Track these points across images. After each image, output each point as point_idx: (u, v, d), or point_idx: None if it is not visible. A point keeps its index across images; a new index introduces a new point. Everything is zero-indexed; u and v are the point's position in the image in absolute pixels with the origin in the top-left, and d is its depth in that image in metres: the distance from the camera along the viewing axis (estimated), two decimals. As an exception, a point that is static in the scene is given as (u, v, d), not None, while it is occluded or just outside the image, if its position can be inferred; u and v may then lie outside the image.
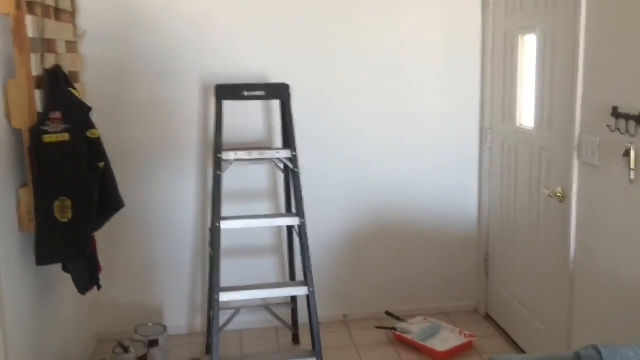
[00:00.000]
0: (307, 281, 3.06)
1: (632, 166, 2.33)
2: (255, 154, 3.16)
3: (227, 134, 3.52)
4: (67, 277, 2.90)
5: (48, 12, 2.76)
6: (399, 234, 3.85)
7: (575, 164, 2.76)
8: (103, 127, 3.37)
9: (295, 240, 3.50)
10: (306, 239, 3.12)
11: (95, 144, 2.75)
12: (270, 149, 3.40)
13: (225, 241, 3.19)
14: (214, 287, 3.02)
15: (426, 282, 3.93)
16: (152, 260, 3.66)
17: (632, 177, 2.34)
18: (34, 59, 2.52)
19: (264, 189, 3.70)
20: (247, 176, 3.65)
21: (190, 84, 3.52)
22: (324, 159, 3.70)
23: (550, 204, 3.01)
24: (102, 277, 3.01)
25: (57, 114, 2.55)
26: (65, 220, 2.51)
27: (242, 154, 3.15)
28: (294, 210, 3.29)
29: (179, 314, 3.74)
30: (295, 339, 3.62)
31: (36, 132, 2.50)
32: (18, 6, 2.42)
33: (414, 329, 3.58)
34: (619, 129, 2.41)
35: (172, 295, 3.71)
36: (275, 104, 3.58)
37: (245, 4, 3.49)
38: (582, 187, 2.74)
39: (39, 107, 2.57)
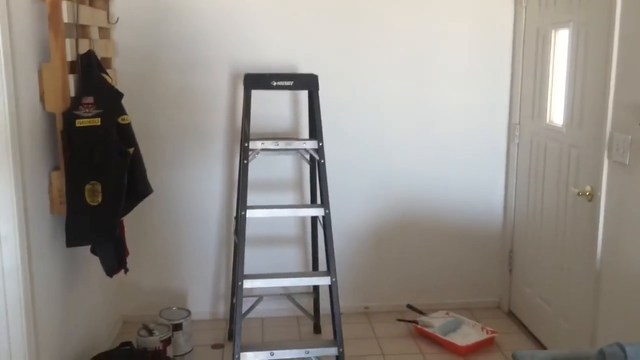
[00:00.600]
0: (330, 271, 3.08)
1: (664, 165, 2.30)
2: (282, 144, 3.18)
3: (254, 123, 3.55)
4: (95, 260, 2.96)
5: (83, -2, 2.80)
6: (423, 227, 3.84)
7: (605, 162, 2.72)
8: (133, 113, 3.43)
9: (319, 231, 3.51)
10: (330, 229, 3.13)
11: (125, 129, 2.79)
12: (297, 139, 3.41)
13: (250, 230, 3.23)
14: (238, 274, 3.05)
15: (449, 277, 3.92)
16: (178, 246, 3.72)
17: (663, 176, 2.31)
18: (69, 44, 2.56)
19: (290, 179, 3.72)
20: (273, 166, 3.67)
21: (219, 72, 3.55)
22: (349, 150, 3.70)
23: (578, 202, 2.97)
24: (129, 261, 3.06)
25: (89, 99, 2.60)
26: (95, 204, 2.56)
27: (269, 144, 3.17)
28: (318, 201, 3.30)
29: (203, 300, 3.79)
30: (317, 329, 3.64)
31: (69, 116, 2.55)
32: (54, -8, 2.46)
33: (435, 322, 3.58)
34: (651, 128, 2.37)
35: (196, 281, 3.77)
36: (303, 94, 3.59)
37: (276, -6, 3.50)
38: (611, 185, 2.71)
39: (72, 92, 2.62)
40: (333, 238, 3.14)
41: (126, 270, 3.01)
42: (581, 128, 2.96)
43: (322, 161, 3.16)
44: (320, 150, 3.16)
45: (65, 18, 2.52)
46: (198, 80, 3.55)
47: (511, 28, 3.64)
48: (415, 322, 3.62)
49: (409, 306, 3.82)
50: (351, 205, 3.76)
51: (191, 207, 3.68)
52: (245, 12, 3.50)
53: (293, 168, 3.71)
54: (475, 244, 3.89)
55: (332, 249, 3.10)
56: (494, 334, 3.48)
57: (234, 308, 3.29)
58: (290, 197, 3.74)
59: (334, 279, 3.07)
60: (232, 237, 3.68)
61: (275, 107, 3.62)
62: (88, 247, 2.89)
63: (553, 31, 3.23)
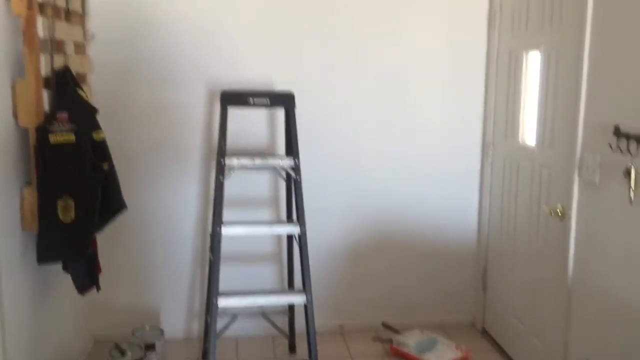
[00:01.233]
0: (305, 289, 3.07)
1: (632, 186, 2.35)
2: (258, 161, 3.18)
3: (231, 140, 3.54)
4: (66, 277, 2.91)
5: (59, 13, 2.79)
6: (398, 245, 3.86)
7: (576, 181, 2.77)
8: (108, 128, 3.40)
9: (295, 248, 3.51)
10: (306, 247, 3.13)
11: (100, 145, 2.77)
12: (273, 156, 3.42)
13: (225, 247, 3.20)
14: (212, 291, 3.03)
15: (424, 295, 3.94)
16: (151, 263, 3.67)
17: (632, 196, 2.36)
18: (43, 59, 2.55)
19: (265, 196, 3.72)
20: (249, 183, 3.67)
21: (195, 88, 3.55)
22: (325, 168, 3.72)
23: (549, 221, 3.02)
24: (101, 278, 3.02)
25: (63, 114, 2.57)
26: (68, 220, 2.53)
27: (245, 161, 3.17)
28: (294, 218, 3.31)
29: (177, 319, 3.74)
30: (292, 348, 3.62)
31: (42, 131, 2.52)
32: (30, 6, 2.45)
33: (410, 341, 3.58)
34: (620, 148, 2.42)
35: (170, 299, 3.72)
36: (280, 111, 3.61)
37: (252, 13, 3.52)
38: (581, 205, 2.76)
39: (46, 107, 2.60)
40: (309, 256, 3.14)
41: (98, 288, 2.97)
42: (552, 148, 3.01)
43: (299, 179, 3.17)
44: (296, 168, 3.17)
45: (41, 33, 2.50)
46: (174, 97, 3.55)
47: (484, 49, 3.71)
48: (391, 341, 3.62)
49: (384, 324, 3.82)
50: (327, 223, 3.76)
51: (166, 223, 3.65)
52: (221, 29, 3.52)
53: (269, 185, 3.71)
54: (450, 262, 3.92)
55: (308, 267, 3.10)
56: (468, 353, 3.50)
57: (208, 327, 3.26)
58: (266, 214, 3.73)
59: (309, 298, 3.07)
60: (207, 255, 3.65)
61: (251, 124, 3.63)
62: (59, 265, 2.84)
63: (524, 53, 3.31)
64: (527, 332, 3.30)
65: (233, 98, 3.20)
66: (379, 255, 3.85)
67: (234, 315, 3.50)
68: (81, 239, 2.61)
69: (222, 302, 3.02)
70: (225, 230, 3.08)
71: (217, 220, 3.08)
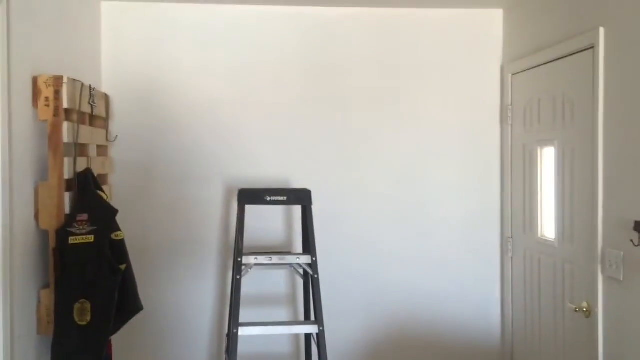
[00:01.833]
0: (325, 393, 2.96)
1: (659, 283, 2.29)
2: (275, 259, 3.16)
3: (247, 236, 3.56)
4: (80, 382, 2.84)
5: (84, 118, 2.89)
6: (419, 343, 3.74)
7: (600, 278, 2.71)
8: (127, 227, 3.44)
9: (313, 347, 3.42)
10: (325, 347, 3.05)
11: (118, 245, 2.78)
12: (290, 253, 3.40)
13: (242, 347, 3.13)
14: (228, 396, 2.93)
15: (448, 397, 3.77)
16: (166, 365, 3.59)
17: (659, 294, 2.29)
18: (67, 163, 2.61)
19: (282, 294, 3.67)
20: (266, 280, 3.63)
21: (213, 186, 3.60)
22: (342, 264, 3.69)
23: (576, 318, 2.93)
24: (115, 382, 2.95)
25: (84, 216, 2.61)
26: (84, 324, 2.50)
27: (262, 259, 3.16)
28: (312, 317, 3.24)
29: (190, 423, 3.61)
30: None
31: (62, 233, 2.54)
32: (56, 113, 2.54)
33: None
34: (643, 244, 2.38)
35: (184, 402, 3.60)
36: (296, 207, 3.63)
37: (268, 110, 3.62)
38: (607, 301, 2.68)
39: (67, 209, 2.64)
40: (327, 355, 3.05)
41: (112, 393, 2.89)
42: (573, 243, 2.97)
43: (316, 276, 3.13)
44: (313, 265, 3.14)
45: (65, 138, 2.58)
46: (192, 194, 3.59)
47: (498, 144, 3.76)
48: None
49: None
50: (345, 321, 3.68)
51: (182, 323, 3.59)
52: (239, 126, 3.61)
53: (286, 283, 3.67)
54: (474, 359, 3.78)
55: (326, 368, 3.00)
56: None
57: None
58: (283, 313, 3.66)
59: (328, 401, 2.95)
60: (223, 356, 3.56)
61: (268, 221, 3.64)
62: (73, 368, 2.78)
63: (539, 148, 3.33)
64: None
65: (250, 196, 3.23)
66: (400, 354, 3.73)
67: (250, 420, 3.36)
68: (96, 342, 2.57)
69: (238, 407, 2.91)
70: (242, 331, 3.02)
71: (234, 321, 3.03)
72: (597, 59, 2.72)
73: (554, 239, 3.16)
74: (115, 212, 2.78)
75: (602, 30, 2.69)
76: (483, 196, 3.76)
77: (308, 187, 3.63)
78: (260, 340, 3.57)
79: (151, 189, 3.57)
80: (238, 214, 3.21)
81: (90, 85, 2.94)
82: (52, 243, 2.54)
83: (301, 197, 3.27)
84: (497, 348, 3.78)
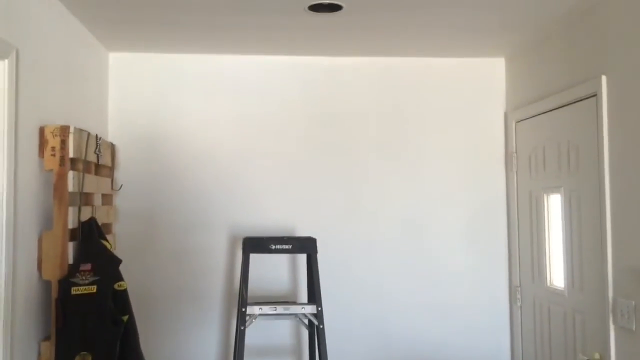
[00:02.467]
0: None
1: (673, 333, 2.24)
2: (280, 309, 3.12)
3: (252, 285, 3.52)
4: None
5: (89, 167, 2.90)
6: (427, 396, 3.65)
7: (611, 328, 2.65)
8: (130, 276, 3.41)
9: (318, 401, 3.33)
10: (330, 401, 2.97)
11: (121, 296, 2.74)
12: (295, 303, 3.35)
13: (245, 401, 3.06)
14: None
15: None
16: (167, 419, 3.50)
17: (673, 345, 2.24)
18: (71, 212, 2.60)
19: (287, 345, 3.60)
20: (270, 330, 3.57)
21: (217, 235, 3.58)
22: (348, 314, 3.63)
23: (588, 370, 2.86)
24: None
25: (87, 266, 2.58)
26: (84, 377, 2.44)
27: (267, 309, 3.11)
28: (317, 368, 3.17)
29: None
30: None
31: (65, 284, 2.51)
32: (62, 163, 2.55)
33: None
34: (654, 294, 2.34)
35: None
36: (301, 256, 3.59)
37: (273, 159, 3.63)
38: (620, 353, 2.61)
39: (70, 259, 2.61)
40: (333, 410, 2.97)
41: None
42: (583, 292, 2.92)
43: (322, 326, 3.08)
44: (319, 315, 3.09)
45: (71, 187, 2.58)
46: (196, 243, 3.57)
47: (504, 191, 3.74)
48: None
49: None
50: (351, 373, 3.60)
51: (184, 375, 3.52)
52: (244, 175, 3.62)
53: (291, 333, 3.61)
54: (484, 414, 3.67)
55: (332, 423, 2.92)
56: None
57: None
58: (287, 364, 3.59)
59: None
60: (226, 409, 3.47)
61: (273, 269, 3.60)
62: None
63: (545, 195, 3.32)
64: None
65: (255, 245, 3.21)
66: (408, 407, 3.63)
67: None
68: (96, 396, 2.50)
69: None
70: (246, 384, 2.95)
71: (238, 373, 2.96)
72: (600, 106, 2.73)
73: (564, 287, 3.11)
74: (118, 261, 2.76)
75: (604, 78, 2.71)
76: (490, 244, 3.73)
77: (313, 235, 3.60)
78: (265, 392, 3.50)
79: (155, 237, 3.55)
80: (242, 263, 3.18)
81: (96, 135, 2.96)
82: (54, 293, 2.51)
83: (306, 246, 3.25)
84: (508, 401, 3.68)
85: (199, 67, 3.64)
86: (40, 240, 2.51)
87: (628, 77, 2.56)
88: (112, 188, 3.35)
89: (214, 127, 3.62)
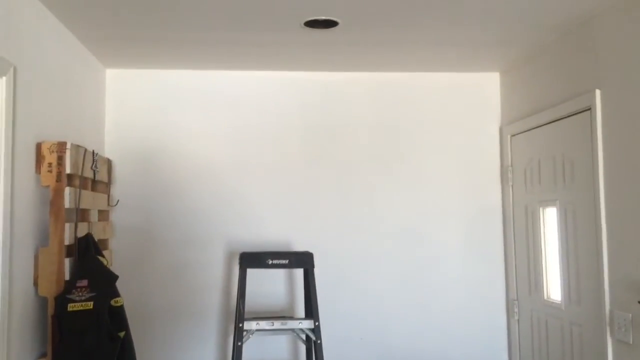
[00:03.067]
0: None
1: (670, 346, 2.24)
2: (277, 324, 3.11)
3: (249, 300, 3.51)
4: None
5: (86, 183, 2.90)
6: (425, 411, 3.63)
7: (609, 341, 2.65)
8: (127, 292, 3.40)
9: (316, 417, 3.31)
10: (328, 416, 2.95)
11: (118, 312, 2.73)
12: (292, 318, 3.33)
13: (242, 417, 3.03)
14: None
15: None
16: None
17: (671, 358, 2.24)
18: (68, 228, 2.60)
19: (285, 360, 3.59)
20: (267, 345, 3.56)
21: (214, 250, 3.58)
22: (346, 328, 3.62)
23: (586, 384, 2.85)
24: None
25: (83, 282, 2.58)
26: (80, 393, 2.43)
27: (264, 324, 3.10)
28: (315, 384, 3.15)
29: None
30: None
31: (61, 300, 2.50)
32: (59, 179, 2.55)
33: None
34: (651, 306, 2.34)
35: None
36: (299, 270, 3.59)
37: (269, 175, 3.64)
38: (618, 366, 2.61)
39: (67, 275, 2.61)
40: None
41: None
42: (580, 305, 2.92)
43: (319, 341, 3.07)
44: (316, 330, 3.09)
45: (67, 203, 2.58)
46: (193, 258, 3.57)
47: (500, 205, 3.76)
48: None
49: None
50: (349, 388, 3.58)
51: (181, 392, 3.50)
52: (241, 190, 3.62)
53: (289, 348, 3.59)
54: None
55: None
56: None
57: None
58: (285, 380, 3.57)
59: None
60: None
61: (270, 284, 3.60)
62: None
63: (541, 209, 3.33)
64: None
65: (252, 260, 3.21)
66: (406, 423, 3.61)
67: None
68: (93, 413, 2.48)
69: None
70: (243, 400, 2.93)
71: (235, 389, 2.95)
72: (594, 120, 2.75)
73: (560, 301, 3.11)
74: (115, 277, 2.75)
75: (598, 92, 2.74)
76: (486, 258, 3.73)
77: (310, 249, 3.60)
78: (262, 409, 3.47)
79: (152, 253, 3.55)
80: (239, 278, 3.18)
81: (93, 151, 2.97)
82: (50, 310, 2.50)
83: (303, 260, 3.25)
84: (507, 415, 3.67)
85: (195, 83, 3.66)
86: (36, 257, 2.51)
87: (622, 91, 2.58)
88: (108, 204, 3.34)
89: (211, 143, 3.63)
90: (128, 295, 3.44)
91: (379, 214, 3.69)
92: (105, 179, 3.26)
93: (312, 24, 2.83)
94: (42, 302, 2.55)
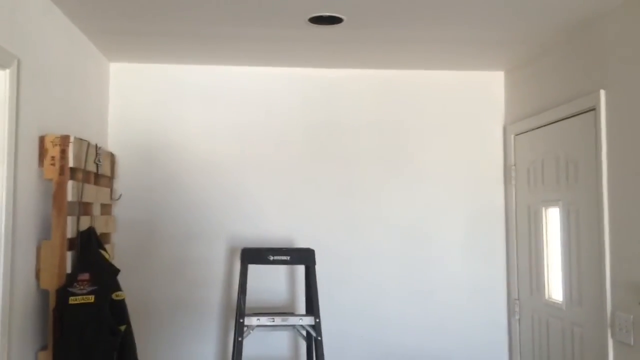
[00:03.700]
0: None
1: (671, 348, 2.23)
2: (278, 320, 3.11)
3: (250, 296, 3.51)
4: None
5: (89, 177, 2.90)
6: (425, 409, 3.63)
7: (610, 342, 2.65)
8: (128, 286, 3.41)
9: (316, 413, 3.31)
10: (327, 413, 2.96)
11: (119, 306, 2.73)
12: (293, 314, 3.34)
13: (242, 413, 3.04)
14: None
15: None
16: None
17: (672, 360, 2.23)
18: (70, 221, 2.60)
19: (285, 356, 3.58)
20: (268, 341, 3.56)
21: (216, 245, 3.58)
22: (347, 326, 3.62)
23: (586, 384, 2.85)
24: None
25: (85, 276, 2.58)
26: (81, 386, 2.43)
27: (264, 320, 3.10)
28: (315, 380, 3.16)
29: None
30: None
31: (63, 293, 2.51)
32: (62, 172, 2.55)
33: None
34: (653, 308, 2.34)
35: None
36: (300, 267, 3.59)
37: (272, 172, 3.64)
38: (619, 367, 2.61)
39: (68, 268, 2.61)
40: (330, 423, 2.96)
41: None
42: (581, 306, 2.92)
43: (319, 338, 3.07)
44: (317, 327, 3.09)
45: (70, 197, 2.59)
46: (195, 253, 3.57)
47: (503, 204, 3.75)
48: None
49: None
50: (349, 385, 3.59)
51: (181, 386, 3.51)
52: (243, 186, 3.62)
53: (289, 344, 3.59)
54: None
55: None
56: None
57: None
58: (285, 376, 3.58)
59: None
60: (223, 421, 3.45)
61: (271, 280, 3.60)
62: None
63: (544, 209, 3.32)
64: None
65: (253, 256, 3.21)
66: (405, 421, 3.61)
67: None
68: (93, 406, 2.49)
69: None
70: (243, 395, 2.93)
71: (235, 384, 2.95)
72: (598, 120, 2.75)
73: (562, 301, 3.10)
74: (116, 271, 2.75)
75: (602, 92, 2.73)
76: (488, 257, 3.72)
77: (311, 246, 3.60)
78: (262, 404, 3.48)
79: (153, 247, 3.55)
80: (241, 273, 3.18)
81: (96, 144, 2.97)
82: (52, 303, 2.51)
83: (304, 257, 3.24)
84: (506, 415, 3.67)
85: (199, 77, 3.66)
86: (38, 250, 2.51)
87: (627, 92, 2.57)
88: (111, 198, 3.35)
89: (214, 138, 3.63)
90: (129, 289, 3.45)
91: (381, 211, 3.69)
92: (108, 173, 3.26)
93: (317, 20, 2.83)
94: (44, 295, 2.55)
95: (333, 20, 2.83)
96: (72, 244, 2.65)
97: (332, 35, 3.07)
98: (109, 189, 3.30)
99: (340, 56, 3.45)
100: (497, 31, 2.99)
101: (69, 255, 2.60)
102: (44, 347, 2.54)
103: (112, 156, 3.36)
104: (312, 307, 3.17)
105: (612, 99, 2.68)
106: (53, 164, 2.54)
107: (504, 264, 3.73)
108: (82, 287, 2.55)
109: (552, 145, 3.21)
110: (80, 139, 2.70)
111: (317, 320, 3.10)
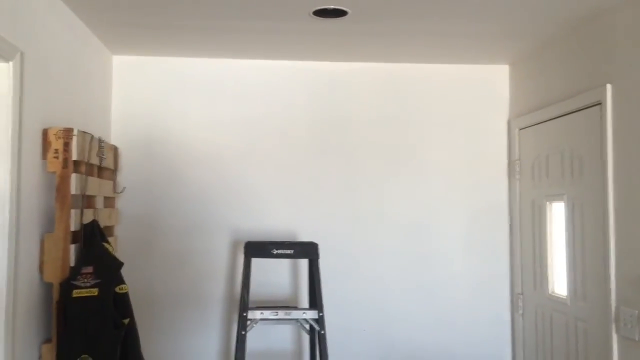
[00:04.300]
0: None
1: (676, 344, 2.23)
2: (281, 314, 3.11)
3: (253, 289, 3.51)
4: None
5: (92, 170, 2.90)
6: (428, 403, 3.63)
7: (614, 337, 2.64)
8: (132, 280, 3.41)
9: (319, 407, 3.31)
10: (330, 407, 2.96)
11: (122, 299, 2.74)
12: (296, 308, 3.33)
13: (245, 406, 3.04)
14: None
15: None
16: (167, 423, 3.48)
17: (677, 355, 2.22)
18: (74, 214, 2.60)
19: (288, 350, 3.59)
20: (271, 335, 3.56)
21: (219, 239, 3.58)
22: (350, 320, 3.62)
23: (590, 379, 2.84)
24: None
25: (89, 269, 2.58)
26: (85, 380, 2.44)
27: (268, 314, 3.10)
28: (318, 374, 3.16)
29: None
30: None
31: (66, 286, 2.51)
32: (65, 165, 2.55)
33: None
34: (658, 303, 2.33)
35: None
36: (304, 261, 3.59)
37: (275, 165, 3.63)
38: (623, 362, 2.60)
39: (72, 261, 2.61)
40: (333, 417, 2.96)
41: None
42: (586, 300, 2.91)
43: (323, 332, 3.07)
44: (320, 321, 3.08)
45: (73, 189, 2.58)
46: (198, 247, 3.57)
47: (507, 199, 3.74)
48: None
49: None
50: (352, 379, 3.59)
51: (184, 379, 3.51)
52: (247, 179, 3.61)
53: (292, 338, 3.60)
54: (484, 422, 3.66)
55: None
56: None
57: None
58: (288, 369, 3.58)
59: None
60: (226, 414, 3.46)
61: (275, 274, 3.60)
62: None
63: (548, 203, 3.31)
64: None
65: (257, 249, 3.20)
66: (408, 414, 3.62)
67: None
68: (96, 399, 2.49)
69: None
70: (246, 389, 2.94)
71: (238, 378, 2.95)
72: (604, 114, 2.73)
73: (566, 296, 3.09)
74: (120, 264, 2.75)
75: (609, 87, 2.71)
76: (492, 252, 3.71)
77: (315, 240, 3.60)
78: (265, 398, 3.48)
79: (157, 241, 3.55)
80: (244, 267, 3.17)
81: (99, 137, 2.96)
82: (55, 296, 2.51)
83: (308, 251, 3.24)
84: (509, 409, 3.67)
85: (203, 70, 3.64)
86: (42, 242, 2.51)
87: (634, 86, 2.56)
88: (114, 191, 3.34)
89: (217, 131, 3.62)
90: (133, 282, 3.45)
91: (384, 205, 3.68)
92: (112, 166, 3.26)
93: (321, 13, 2.81)
94: (47, 288, 2.55)
95: (337, 13, 2.81)
96: (75, 237, 2.65)
97: (336, 28, 3.05)
98: (112, 182, 3.29)
99: (344, 49, 3.44)
100: (502, 24, 2.97)
101: (72, 248, 2.60)
102: (47, 340, 2.54)
103: (115, 149, 3.36)
104: (315, 300, 3.17)
105: (618, 94, 2.66)
106: (56, 157, 2.53)
107: (507, 259, 3.72)
108: (85, 280, 2.55)
109: (557, 140, 3.19)
110: (84, 132, 2.69)
111: (321, 314, 3.09)
